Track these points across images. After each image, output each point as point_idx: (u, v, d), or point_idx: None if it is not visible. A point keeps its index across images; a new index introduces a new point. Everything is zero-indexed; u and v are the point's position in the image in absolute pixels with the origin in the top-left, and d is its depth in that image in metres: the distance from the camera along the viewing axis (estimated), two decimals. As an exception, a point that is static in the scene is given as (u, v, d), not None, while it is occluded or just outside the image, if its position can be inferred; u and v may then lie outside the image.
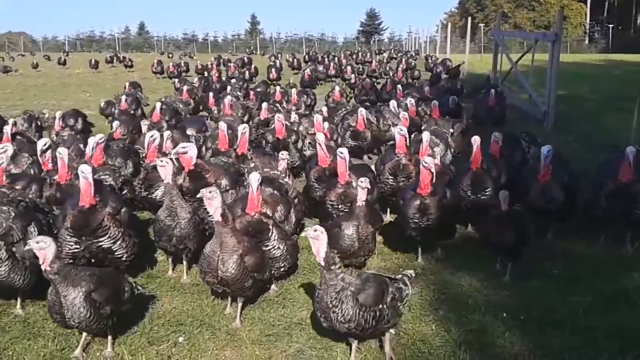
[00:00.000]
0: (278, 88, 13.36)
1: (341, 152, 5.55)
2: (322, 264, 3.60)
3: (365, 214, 4.87)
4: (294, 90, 12.58)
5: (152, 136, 6.14)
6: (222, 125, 7.16)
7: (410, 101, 10.33)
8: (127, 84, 15.44)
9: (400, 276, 3.97)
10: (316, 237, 3.63)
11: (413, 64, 25.91)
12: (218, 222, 4.15)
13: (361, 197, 4.84)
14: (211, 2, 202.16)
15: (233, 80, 16.74)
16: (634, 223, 5.57)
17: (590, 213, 5.90)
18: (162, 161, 4.95)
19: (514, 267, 5.07)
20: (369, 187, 4.91)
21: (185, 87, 13.71)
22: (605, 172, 6.05)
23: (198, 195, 4.28)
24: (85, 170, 4.57)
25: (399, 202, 5.52)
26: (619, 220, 5.62)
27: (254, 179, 4.75)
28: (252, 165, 6.18)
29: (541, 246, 5.67)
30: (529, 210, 5.79)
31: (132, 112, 11.64)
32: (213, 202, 4.12)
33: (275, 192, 5.42)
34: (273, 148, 7.86)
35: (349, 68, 21.15)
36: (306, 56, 35.05)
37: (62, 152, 5.55)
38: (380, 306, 3.65)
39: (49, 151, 5.92)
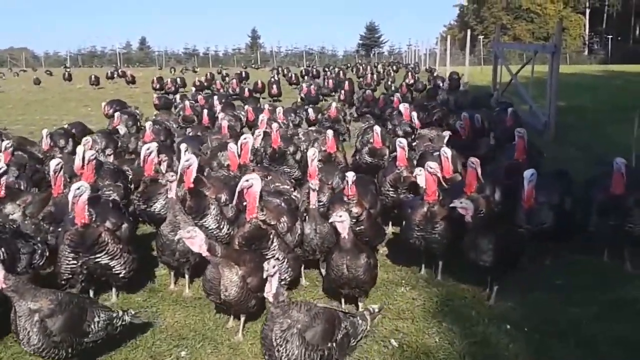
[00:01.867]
0: (267, 105, 12.78)
1: (346, 175, 5.44)
2: (271, 299, 3.35)
3: (353, 244, 4.44)
4: (279, 109, 11.88)
5: (148, 149, 6.12)
6: (232, 147, 6.91)
7: (405, 105, 10.64)
8: (104, 104, 14.37)
9: (361, 311, 3.82)
10: (270, 273, 3.37)
11: (417, 77, 25.08)
12: (207, 257, 4.08)
13: (342, 231, 4.38)
14: (212, 17, 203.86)
15: (215, 97, 15.14)
16: (629, 238, 5.40)
17: (582, 229, 5.66)
18: (172, 176, 4.97)
19: (498, 285, 4.85)
20: (344, 219, 4.38)
21: (187, 102, 13.17)
22: (595, 186, 5.86)
23: (176, 238, 4.29)
24: (77, 189, 4.57)
25: (407, 210, 5.44)
26: (613, 236, 5.45)
27: (242, 180, 4.73)
28: (269, 178, 6.17)
29: (543, 257, 5.64)
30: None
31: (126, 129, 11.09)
32: (195, 240, 4.01)
33: (282, 204, 5.41)
34: (270, 159, 7.83)
35: (346, 83, 20.28)
36: (303, 70, 33.44)
37: (52, 165, 5.54)
38: (329, 344, 3.41)
39: (4, 177, 5.69)
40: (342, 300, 4.73)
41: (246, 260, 4.24)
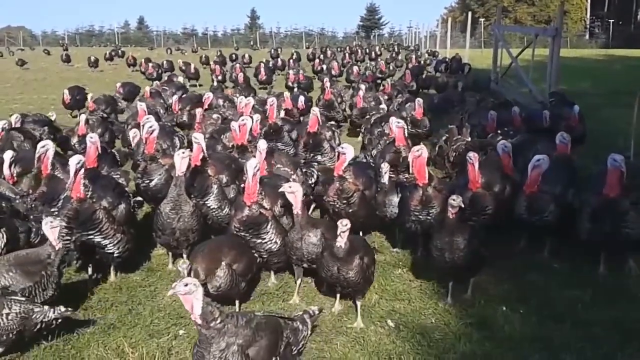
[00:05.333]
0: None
1: (342, 148, 5.46)
2: (199, 322, 2.94)
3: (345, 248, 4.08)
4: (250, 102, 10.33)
5: (151, 126, 6.09)
6: (234, 125, 6.89)
7: (419, 101, 10.04)
8: (66, 91, 13.24)
9: (300, 314, 3.53)
10: (188, 291, 2.96)
11: (421, 61, 23.30)
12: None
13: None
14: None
15: (169, 90, 13.71)
16: (623, 244, 4.94)
17: (573, 235, 5.20)
18: (183, 152, 4.97)
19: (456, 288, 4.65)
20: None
21: (147, 89, 12.37)
22: (588, 188, 5.37)
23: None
24: (72, 163, 4.59)
25: (406, 193, 5.36)
26: (605, 243, 4.96)
27: (250, 166, 4.68)
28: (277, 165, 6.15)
29: (540, 240, 5.64)
30: (517, 223, 5.34)
31: (102, 113, 10.88)
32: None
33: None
34: (265, 135, 7.75)
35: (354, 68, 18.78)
36: (294, 54, 28.08)
37: (41, 148, 5.50)
38: (274, 359, 3.13)
39: None
40: (338, 297, 4.49)
41: (229, 252, 4.23)
